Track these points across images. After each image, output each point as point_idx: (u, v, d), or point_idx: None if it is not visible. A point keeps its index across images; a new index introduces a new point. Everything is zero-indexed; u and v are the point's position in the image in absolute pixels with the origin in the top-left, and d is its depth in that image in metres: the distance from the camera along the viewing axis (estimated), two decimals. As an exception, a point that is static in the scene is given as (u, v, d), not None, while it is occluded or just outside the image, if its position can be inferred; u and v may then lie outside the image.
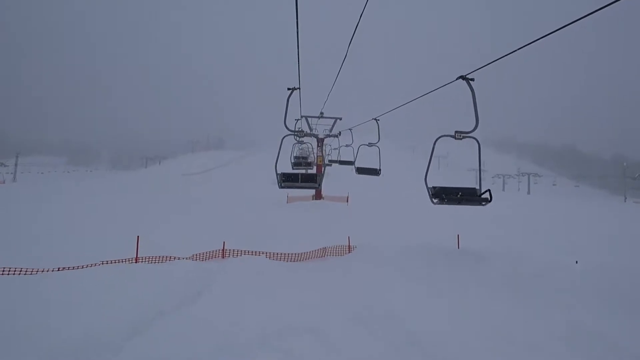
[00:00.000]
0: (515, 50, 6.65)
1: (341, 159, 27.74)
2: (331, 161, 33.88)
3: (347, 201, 37.70)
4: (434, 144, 8.11)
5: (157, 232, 20.20)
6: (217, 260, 15.02)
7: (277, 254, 15.86)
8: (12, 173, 73.42)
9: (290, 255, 16.04)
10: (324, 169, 35.17)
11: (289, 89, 10.31)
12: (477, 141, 8.74)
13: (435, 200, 8.18)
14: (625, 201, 79.38)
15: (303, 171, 28.19)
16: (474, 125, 8.24)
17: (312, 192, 37.91)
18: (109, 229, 20.86)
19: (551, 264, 11.43)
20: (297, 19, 6.77)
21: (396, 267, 12.70)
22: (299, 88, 10.50)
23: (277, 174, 10.88)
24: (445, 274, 11.50)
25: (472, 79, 8.04)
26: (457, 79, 7.81)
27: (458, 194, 8.19)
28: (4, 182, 60.17)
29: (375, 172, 16.63)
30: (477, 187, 8.53)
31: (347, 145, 24.42)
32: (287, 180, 11.16)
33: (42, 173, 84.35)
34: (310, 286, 11.69)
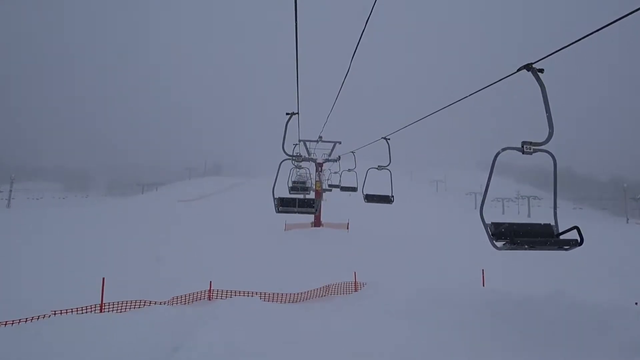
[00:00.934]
0: (509, 75, 6.13)
1: (343, 185, 25.28)
2: (331, 186, 31.58)
3: (347, 228, 35.47)
4: (495, 158, 5.53)
5: (136, 268, 17.83)
6: (203, 303, 12.62)
7: (274, 294, 13.48)
8: (6, 199, 70.79)
9: (288, 296, 13.65)
10: (322, 195, 32.87)
11: (287, 114, 10.05)
12: (552, 156, 6.20)
13: (499, 244, 5.47)
14: (627, 222, 77.10)
15: (301, 196, 25.99)
16: (546, 136, 5.79)
17: (311, 218, 35.73)
18: (82, 264, 18.48)
19: (609, 309, 9.11)
20: (296, 45, 6.37)
21: (418, 318, 10.37)
22: (298, 113, 10.20)
23: (274, 199, 10.47)
24: (486, 332, 9.13)
25: (541, 70, 5.73)
26: (519, 70, 5.58)
27: (530, 234, 5.61)
28: (-7, 210, 57.56)
29: (387, 199, 13.99)
30: (553, 224, 5.90)
31: (349, 170, 22.12)
32: (284, 205, 10.73)
33: (37, 199, 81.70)
34: (315, 343, 9.31)
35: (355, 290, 14.93)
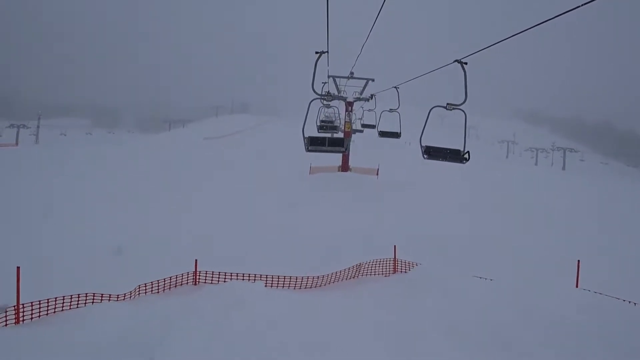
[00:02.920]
0: (554, 17, 5.56)
1: (382, 130, 20.26)
2: (365, 126, 26.75)
3: (377, 174, 31.32)
4: None
5: (123, 231, 14.08)
6: (185, 291, 8.76)
7: (284, 278, 9.53)
8: (34, 135, 68.91)
9: (305, 280, 9.69)
10: (351, 136, 28.53)
11: (316, 52, 9.50)
12: None
13: None
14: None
15: (329, 135, 21.89)
16: None
17: (338, 162, 31.76)
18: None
19: None
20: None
21: (506, 350, 6.32)
22: (327, 52, 9.66)
23: (304, 138, 10.19)
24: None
25: None
26: None
27: None
28: (16, 145, 55.15)
29: (457, 157, 8.50)
30: None
31: (391, 110, 17.30)
32: (313, 144, 10.34)
33: (64, 135, 79.58)
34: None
35: (394, 272, 10.95)
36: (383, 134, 19.98)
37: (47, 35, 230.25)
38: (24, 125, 67.86)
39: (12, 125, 67.08)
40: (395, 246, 11.17)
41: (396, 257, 11.09)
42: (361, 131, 29.09)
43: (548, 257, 14.13)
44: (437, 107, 8.36)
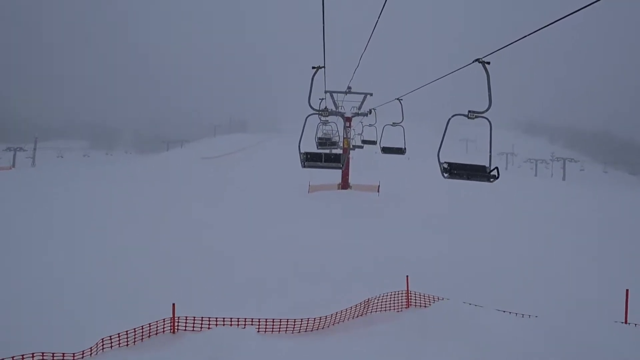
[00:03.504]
0: (550, 24, 5.48)
1: (385, 146, 18.82)
2: (365, 142, 25.44)
3: (378, 190, 30.03)
4: None
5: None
6: (162, 342, 7.29)
7: (280, 321, 8.03)
8: (31, 157, 68.22)
9: (305, 323, 8.20)
10: (349, 152, 27.51)
11: (313, 67, 9.44)
12: None
13: None
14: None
15: (327, 151, 20.99)
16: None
17: (338, 180, 30.60)
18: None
19: None
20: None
21: None
22: (324, 67, 9.60)
23: (300, 153, 10.03)
24: None
25: None
26: None
27: None
28: (10, 168, 53.81)
29: (483, 174, 7.06)
30: None
31: (394, 124, 15.94)
32: (310, 159, 10.20)
33: (61, 157, 78.67)
34: None
35: (407, 307, 9.50)
36: (386, 150, 18.64)
37: (43, 58, 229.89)
38: (20, 148, 67.39)
39: (8, 149, 66.59)
40: (407, 277, 9.72)
41: (409, 290, 9.64)
42: (361, 147, 27.91)
43: (571, 274, 12.73)
44: (457, 116, 7.02)
